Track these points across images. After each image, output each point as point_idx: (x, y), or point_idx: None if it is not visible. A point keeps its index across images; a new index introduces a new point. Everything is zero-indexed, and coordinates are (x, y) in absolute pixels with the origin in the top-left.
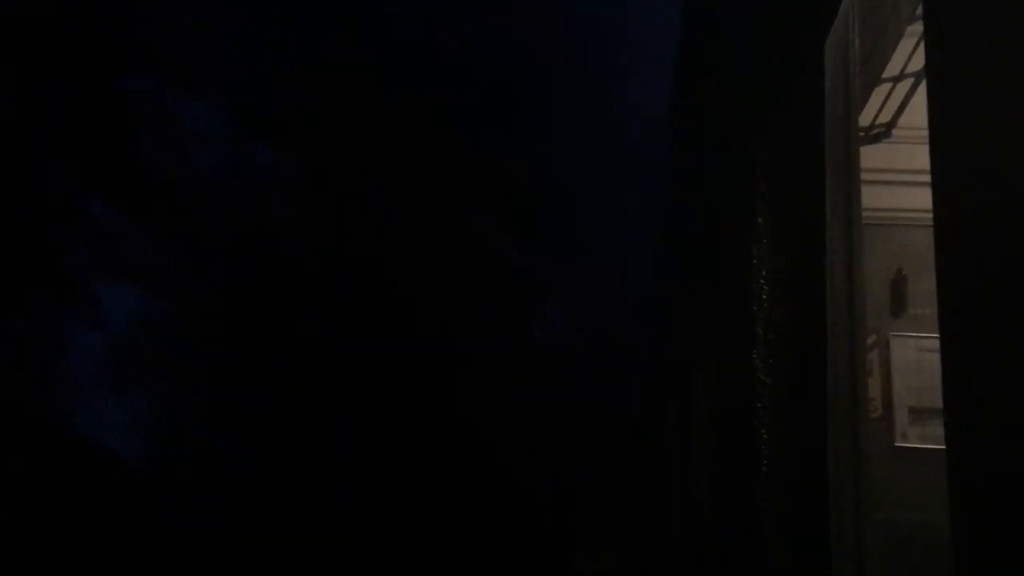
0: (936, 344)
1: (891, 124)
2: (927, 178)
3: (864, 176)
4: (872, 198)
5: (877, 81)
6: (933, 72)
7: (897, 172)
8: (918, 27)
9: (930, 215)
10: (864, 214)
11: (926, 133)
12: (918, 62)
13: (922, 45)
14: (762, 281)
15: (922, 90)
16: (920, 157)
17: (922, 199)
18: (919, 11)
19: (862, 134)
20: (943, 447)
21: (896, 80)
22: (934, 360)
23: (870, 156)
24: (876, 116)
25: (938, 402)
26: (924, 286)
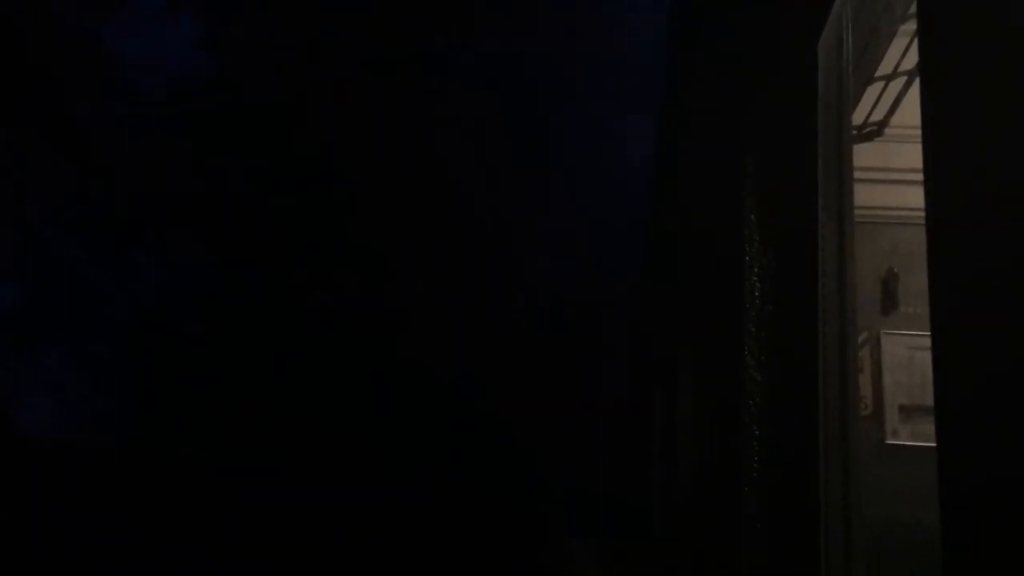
0: (927, 342)
1: (884, 122)
2: (919, 177)
3: (856, 174)
4: (864, 196)
5: (870, 80)
6: (926, 70)
7: (889, 170)
8: (911, 26)
9: (922, 214)
10: (856, 212)
11: (919, 132)
12: (911, 60)
13: (915, 43)
14: (754, 278)
15: (915, 88)
16: (913, 155)
17: (914, 197)
18: (912, 10)
19: (855, 132)
20: (934, 444)
21: (889, 79)
22: (925, 358)
23: (863, 154)
24: (869, 114)
25: (929, 400)
26: (915, 284)
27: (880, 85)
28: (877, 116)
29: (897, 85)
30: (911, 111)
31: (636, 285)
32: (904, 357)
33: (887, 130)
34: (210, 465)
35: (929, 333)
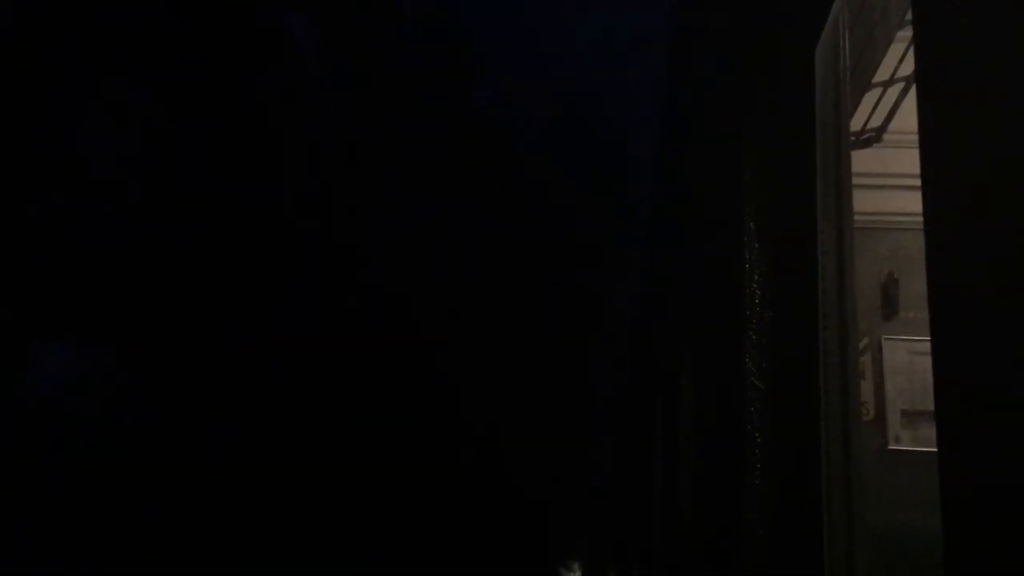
0: (928, 347)
1: (882, 128)
2: (918, 182)
3: (855, 180)
4: (863, 202)
5: (867, 86)
6: (923, 76)
7: (888, 176)
8: (908, 32)
9: (921, 218)
10: (855, 218)
11: (916, 137)
12: (908, 67)
13: (912, 50)
14: (754, 285)
15: (912, 94)
16: (911, 161)
17: (913, 203)
18: (908, 16)
19: (853, 139)
20: (935, 450)
21: (886, 85)
22: (926, 363)
23: (861, 160)
24: (867, 121)
25: (930, 405)
26: (915, 289)
27: (878, 91)
28: (875, 122)
29: (895, 91)
30: (909, 117)
31: (638, 292)
32: (905, 362)
33: (885, 136)
34: (212, 468)
35: (929, 338)
